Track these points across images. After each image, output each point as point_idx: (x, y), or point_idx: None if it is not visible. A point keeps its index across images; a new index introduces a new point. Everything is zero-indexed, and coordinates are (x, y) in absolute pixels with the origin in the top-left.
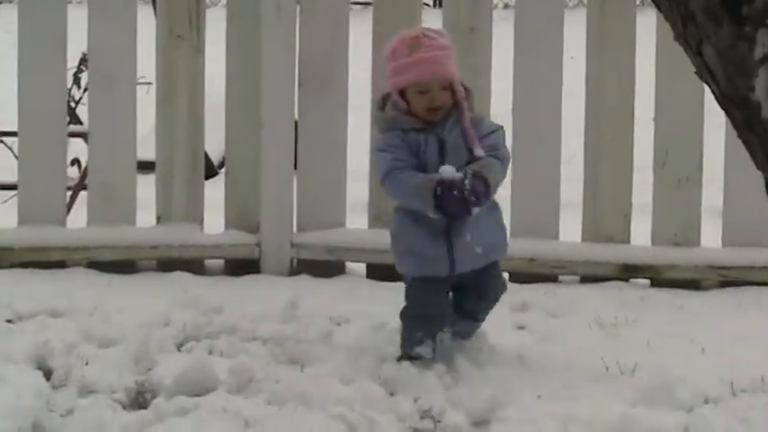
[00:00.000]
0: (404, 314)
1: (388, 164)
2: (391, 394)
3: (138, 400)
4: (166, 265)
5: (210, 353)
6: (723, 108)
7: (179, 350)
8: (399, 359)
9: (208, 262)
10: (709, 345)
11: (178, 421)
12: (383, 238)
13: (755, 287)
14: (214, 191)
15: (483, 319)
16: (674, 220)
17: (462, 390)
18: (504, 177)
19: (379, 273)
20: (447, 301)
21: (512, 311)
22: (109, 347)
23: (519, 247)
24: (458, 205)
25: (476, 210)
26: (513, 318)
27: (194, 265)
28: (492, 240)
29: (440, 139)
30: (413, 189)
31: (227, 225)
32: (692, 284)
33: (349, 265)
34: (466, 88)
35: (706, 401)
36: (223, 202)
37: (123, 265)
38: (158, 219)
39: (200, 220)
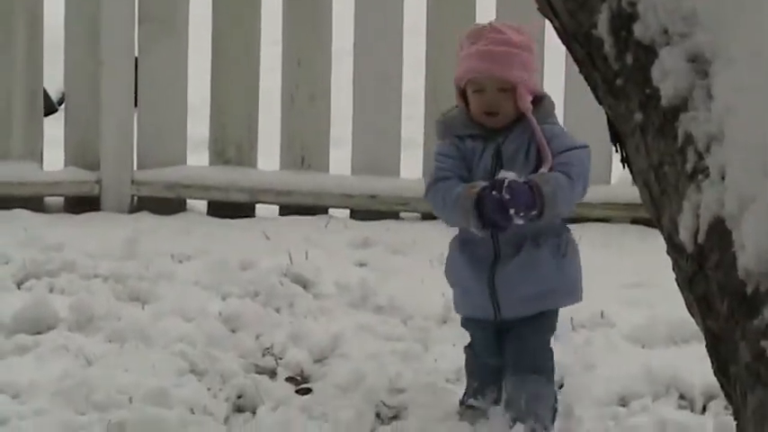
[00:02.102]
0: (466, 356)
1: (433, 174)
2: (233, 331)
3: None
4: (5, 202)
5: (51, 291)
6: (565, 44)
7: (18, 288)
8: (461, 404)
9: (47, 199)
10: None
11: (18, 360)
12: (224, 174)
13: (595, 223)
14: (53, 128)
15: (520, 388)
16: None
17: (304, 327)
18: (573, 199)
19: (220, 210)
20: (500, 347)
21: (353, 248)
22: None
23: (360, 184)
24: (495, 209)
25: (518, 220)
26: (355, 254)
27: (34, 203)
28: (550, 283)
29: (497, 148)
30: (454, 199)
31: (67, 162)
32: None
33: (190, 202)
34: (542, 97)
35: None
36: (63, 139)
37: None
38: None
39: (39, 158)
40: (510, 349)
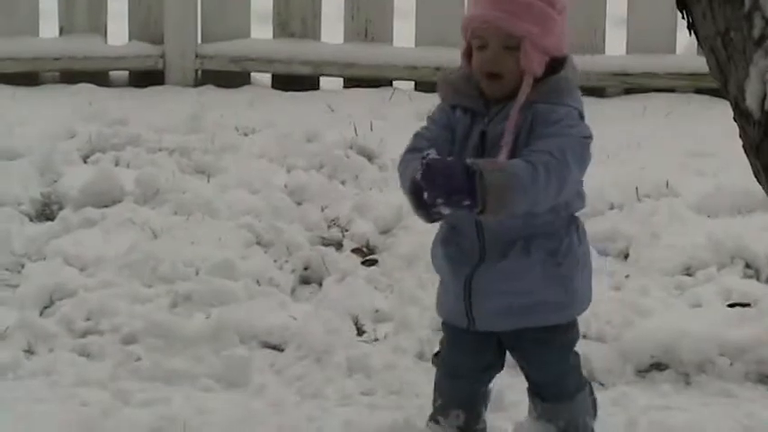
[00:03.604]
0: (435, 368)
1: (409, 141)
2: (298, 203)
3: (45, 211)
4: (70, 76)
5: (116, 164)
6: None
7: (85, 162)
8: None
9: (112, 73)
10: (613, 152)
11: (85, 232)
12: (288, 47)
13: (658, 93)
14: (117, 1)
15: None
16: (578, 27)
17: (369, 199)
18: (538, 195)
19: (285, 83)
20: (479, 364)
21: (418, 120)
22: (14, 160)
23: (425, 55)
24: (414, 195)
25: (444, 209)
26: (418, 125)
27: (98, 77)
28: (537, 298)
29: (482, 129)
30: (404, 174)
31: (131, 36)
32: (596, 91)
33: (254, 75)
34: (559, 65)
35: (611, 207)
36: (126, 12)
37: (27, 77)
38: (61, 30)
39: (103, 32)
40: (526, 374)
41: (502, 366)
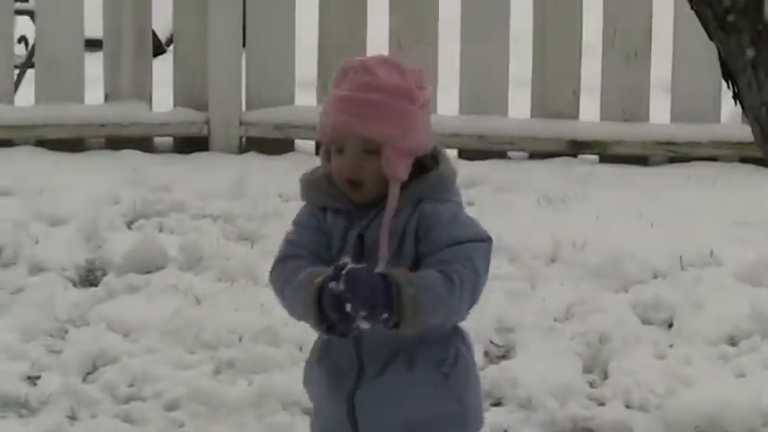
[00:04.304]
0: None
1: (280, 250)
2: None
3: (89, 277)
4: (115, 143)
5: (160, 230)
6: None
7: (129, 228)
8: None
9: (157, 140)
10: (657, 220)
11: (129, 298)
12: None
13: (702, 162)
14: (162, 68)
15: None
16: (623, 95)
17: None
18: (453, 309)
19: None
20: None
21: (461, 188)
22: (58, 226)
23: (468, 123)
24: (332, 305)
25: (362, 323)
26: (462, 194)
27: (143, 143)
28: (427, 414)
29: (360, 232)
30: (296, 286)
31: (176, 103)
32: (641, 160)
33: (298, 142)
34: (433, 162)
35: (655, 276)
36: (171, 79)
37: (72, 144)
38: (106, 96)
39: (148, 98)
40: None
41: None
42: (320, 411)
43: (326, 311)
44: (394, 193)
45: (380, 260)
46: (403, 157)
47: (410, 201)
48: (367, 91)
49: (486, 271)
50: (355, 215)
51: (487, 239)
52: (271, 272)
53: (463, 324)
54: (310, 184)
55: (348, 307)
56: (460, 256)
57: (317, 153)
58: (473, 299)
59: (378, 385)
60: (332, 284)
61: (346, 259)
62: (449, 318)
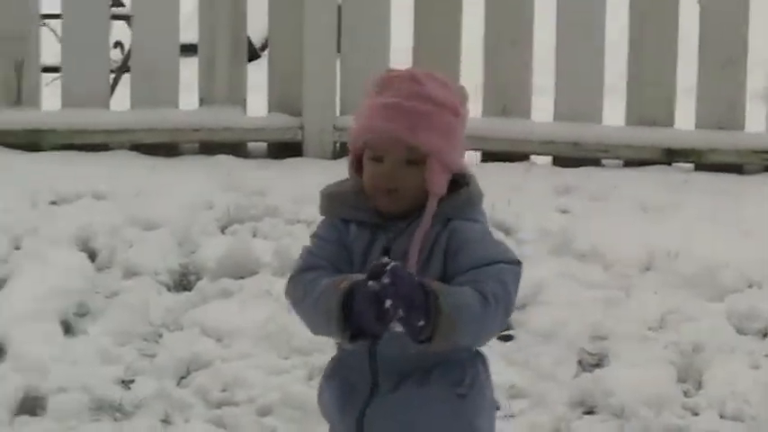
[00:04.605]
0: None
1: (299, 261)
2: None
3: (183, 282)
4: (209, 147)
5: (254, 235)
6: None
7: (222, 233)
8: None
9: (251, 145)
10: (752, 228)
11: (222, 303)
12: None
13: None
14: (257, 73)
15: None
16: (719, 103)
17: None
18: (485, 327)
19: None
20: None
21: (555, 195)
22: (152, 230)
23: (562, 130)
24: (368, 303)
25: (396, 326)
26: (556, 201)
27: (237, 148)
28: (440, 431)
29: (386, 246)
30: (317, 294)
31: (270, 108)
32: (736, 168)
33: None
34: (463, 181)
35: (750, 285)
36: (266, 84)
37: (166, 148)
38: (201, 101)
39: (242, 103)
40: None
41: None
42: (331, 428)
43: (355, 315)
44: (432, 206)
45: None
46: (445, 171)
47: (440, 218)
48: (416, 100)
49: (516, 294)
50: (381, 228)
51: (518, 263)
52: (288, 283)
53: (483, 349)
54: (334, 197)
55: (388, 303)
56: (493, 276)
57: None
58: (505, 318)
59: (390, 401)
60: (370, 283)
61: (386, 259)
62: (480, 337)
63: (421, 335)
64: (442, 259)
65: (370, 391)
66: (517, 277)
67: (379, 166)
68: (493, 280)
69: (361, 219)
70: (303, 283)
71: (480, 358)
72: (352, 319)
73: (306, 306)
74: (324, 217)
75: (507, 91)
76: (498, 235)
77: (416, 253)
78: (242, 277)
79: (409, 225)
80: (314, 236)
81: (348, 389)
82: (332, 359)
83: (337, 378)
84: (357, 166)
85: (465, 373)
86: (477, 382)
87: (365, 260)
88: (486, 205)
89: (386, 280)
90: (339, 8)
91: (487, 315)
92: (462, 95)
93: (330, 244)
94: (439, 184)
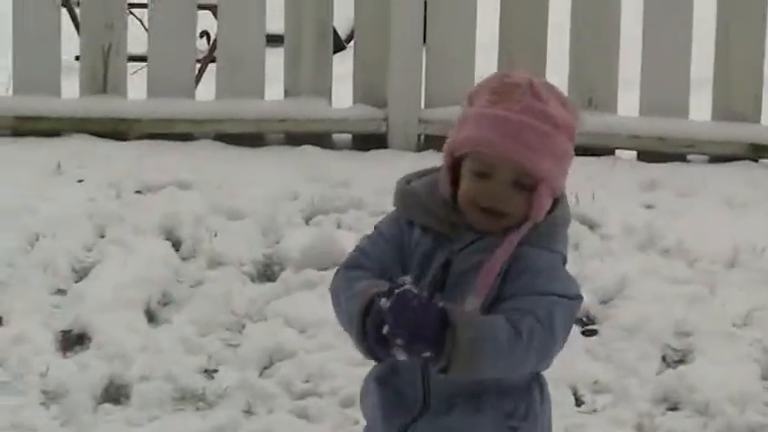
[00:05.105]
0: None
1: (348, 257)
2: None
3: (266, 272)
4: (294, 138)
5: (338, 227)
6: None
7: (307, 224)
8: None
9: (335, 136)
10: None
11: (305, 294)
12: None
13: None
14: (342, 65)
15: None
16: None
17: (590, 268)
18: (515, 362)
19: None
20: None
21: (641, 190)
22: (237, 220)
23: (648, 125)
24: (373, 324)
25: (399, 354)
26: (641, 196)
27: (322, 139)
28: None
29: (448, 257)
30: (349, 296)
31: (355, 99)
32: None
33: None
34: (555, 205)
35: None
36: (351, 76)
37: (251, 138)
38: (286, 92)
39: (327, 94)
40: None
41: None
42: (370, 430)
43: (367, 327)
44: (522, 233)
45: (477, 294)
46: (551, 196)
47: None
48: (539, 119)
49: (567, 331)
50: (446, 238)
51: (575, 298)
52: (333, 278)
53: (545, 372)
54: (407, 195)
55: (385, 329)
56: (541, 309)
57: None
58: (540, 360)
59: (439, 424)
60: (382, 301)
61: (407, 278)
62: (508, 372)
63: (433, 365)
64: (501, 281)
65: (420, 408)
66: (571, 313)
67: (484, 183)
68: (538, 313)
69: (428, 224)
70: (344, 280)
71: (537, 384)
72: (364, 333)
73: (340, 305)
74: (392, 211)
75: (593, 84)
76: (582, 229)
77: (491, 278)
78: (326, 268)
79: (478, 240)
80: (376, 227)
81: (397, 399)
82: (386, 362)
83: (389, 384)
84: (451, 175)
85: (519, 403)
86: (531, 412)
87: (423, 270)
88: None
89: (388, 305)
90: (425, 1)
91: (515, 352)
92: (577, 115)
93: (387, 243)
94: (542, 212)
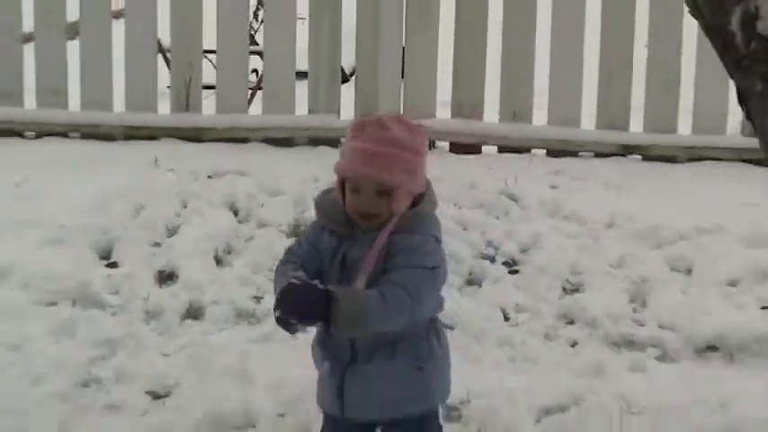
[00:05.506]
0: None
1: (284, 253)
2: (464, 229)
3: (296, 231)
4: (315, 141)
5: None
6: (707, 35)
7: None
8: None
9: (342, 140)
10: (687, 201)
11: None
12: (464, 125)
13: (716, 162)
14: (347, 92)
15: None
16: (659, 114)
17: (515, 228)
18: (388, 319)
19: (461, 149)
20: None
21: (548, 176)
22: (276, 196)
23: (554, 132)
24: (281, 310)
25: (300, 328)
26: (549, 180)
27: (333, 142)
28: (402, 390)
29: (345, 252)
30: (275, 285)
31: (356, 115)
32: (671, 159)
33: (485, 148)
34: (418, 199)
35: (680, 238)
36: (353, 99)
37: (286, 141)
38: (309, 110)
39: (337, 112)
40: None
41: None
42: (322, 379)
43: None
44: (393, 222)
45: (362, 274)
46: (407, 197)
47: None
48: (385, 144)
49: (431, 293)
50: (344, 238)
51: (434, 268)
52: (275, 273)
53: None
54: (319, 205)
55: (277, 313)
56: (408, 281)
57: (450, 150)
58: (409, 318)
59: (365, 370)
60: (277, 294)
61: (299, 273)
62: (385, 327)
63: (327, 329)
64: (383, 265)
65: (349, 360)
66: (434, 278)
67: (357, 195)
68: (405, 285)
69: (332, 228)
70: (277, 273)
71: (434, 331)
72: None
73: (274, 291)
74: (315, 218)
75: (516, 103)
76: (510, 203)
77: (372, 262)
78: None
79: (365, 235)
80: (304, 233)
81: (334, 355)
82: (319, 329)
83: (328, 346)
84: (341, 186)
85: (423, 347)
86: (432, 353)
87: (332, 262)
88: (501, 183)
89: (277, 296)
90: (403, 50)
91: (385, 313)
92: (422, 135)
93: (308, 244)
94: (400, 209)
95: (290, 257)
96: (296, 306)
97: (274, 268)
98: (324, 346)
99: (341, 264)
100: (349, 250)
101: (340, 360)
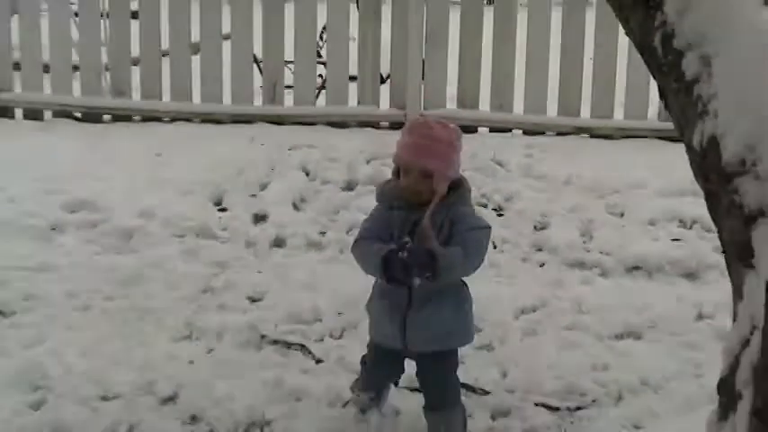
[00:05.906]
0: (363, 363)
1: (359, 232)
2: None
3: (350, 185)
4: (362, 124)
5: (383, 165)
6: (638, 50)
7: (367, 163)
8: (351, 390)
9: (382, 123)
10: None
11: (369, 196)
12: (465, 113)
13: (641, 138)
14: (384, 90)
15: (443, 416)
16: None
17: (501, 185)
18: (467, 270)
19: (464, 131)
20: (393, 370)
21: (524, 149)
22: (335, 162)
23: (529, 118)
24: (398, 267)
25: (417, 280)
26: (525, 151)
27: (375, 125)
28: (449, 327)
29: (416, 221)
30: (369, 255)
31: (391, 106)
32: (610, 137)
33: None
34: (460, 183)
35: (615, 191)
36: (389, 95)
37: (342, 125)
38: (358, 102)
39: (377, 103)
40: (424, 385)
41: (402, 373)
42: (379, 324)
43: (391, 271)
44: (436, 200)
45: (430, 238)
46: (446, 180)
47: (447, 205)
48: (425, 139)
49: (486, 247)
50: (412, 211)
51: (486, 227)
52: (353, 244)
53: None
54: (385, 192)
55: (414, 270)
56: (474, 239)
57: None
58: (479, 265)
59: (423, 310)
60: (400, 254)
61: (407, 239)
62: (465, 274)
63: (429, 279)
64: (450, 230)
65: (407, 305)
66: (488, 236)
67: (407, 177)
68: (473, 241)
69: (399, 205)
70: (364, 246)
71: (466, 285)
72: (389, 272)
73: (364, 261)
74: (378, 203)
75: (502, 97)
76: (497, 167)
77: (429, 225)
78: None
79: (421, 208)
80: (369, 216)
81: (393, 304)
82: (376, 283)
83: (386, 298)
84: (398, 173)
85: (459, 296)
86: (468, 298)
87: (404, 229)
88: (491, 152)
89: (405, 254)
90: (423, 61)
91: (467, 264)
92: (456, 133)
93: (377, 221)
94: (441, 188)
95: (367, 234)
96: (420, 261)
97: (353, 244)
98: (383, 298)
99: (411, 230)
100: (419, 219)
101: (399, 308)
